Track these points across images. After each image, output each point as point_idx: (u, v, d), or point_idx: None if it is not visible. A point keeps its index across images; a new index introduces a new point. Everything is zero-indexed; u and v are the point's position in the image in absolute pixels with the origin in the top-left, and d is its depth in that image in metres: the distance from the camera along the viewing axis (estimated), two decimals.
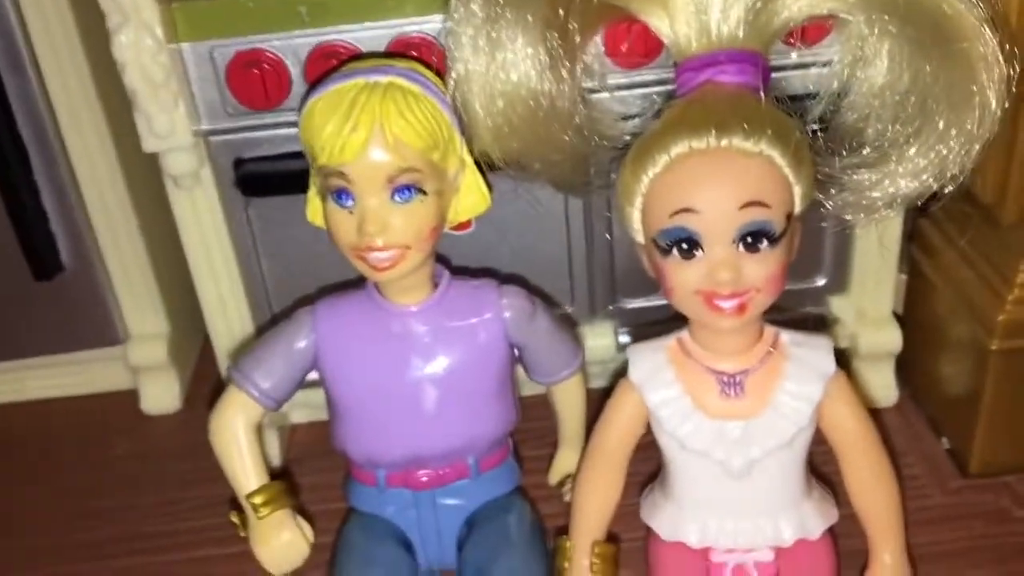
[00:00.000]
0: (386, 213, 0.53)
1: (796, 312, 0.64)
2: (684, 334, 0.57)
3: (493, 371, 0.60)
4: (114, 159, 0.74)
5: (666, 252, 0.51)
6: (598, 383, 0.73)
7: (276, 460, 0.74)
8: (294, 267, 0.68)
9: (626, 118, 0.60)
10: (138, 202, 0.76)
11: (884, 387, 0.75)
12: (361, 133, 0.51)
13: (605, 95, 0.60)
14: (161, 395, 0.81)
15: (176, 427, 0.80)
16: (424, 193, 0.54)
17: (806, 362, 0.55)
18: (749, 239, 0.50)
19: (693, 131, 0.50)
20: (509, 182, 0.59)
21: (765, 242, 0.50)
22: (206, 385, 0.81)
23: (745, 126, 0.49)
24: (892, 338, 0.73)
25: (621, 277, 0.71)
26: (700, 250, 0.50)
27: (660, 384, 0.56)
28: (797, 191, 0.51)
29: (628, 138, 0.57)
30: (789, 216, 0.51)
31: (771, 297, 0.52)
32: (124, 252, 0.77)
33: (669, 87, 0.58)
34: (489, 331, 0.59)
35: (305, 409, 0.76)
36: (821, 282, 0.72)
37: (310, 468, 0.74)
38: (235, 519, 0.60)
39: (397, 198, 0.53)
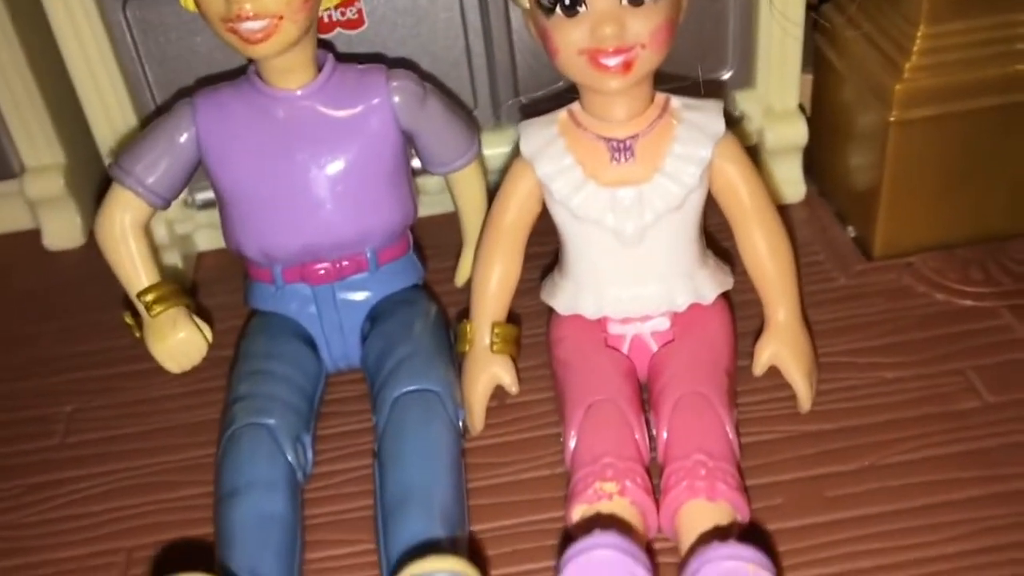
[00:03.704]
0: None
1: (691, 80, 0.63)
2: (575, 106, 0.56)
3: (385, 159, 0.58)
4: None
5: (550, 11, 0.50)
6: None
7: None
8: (182, 72, 0.65)
9: None
10: (18, 20, 0.72)
11: (792, 182, 0.74)
12: None
13: None
14: (62, 229, 0.78)
15: (79, 261, 0.78)
16: None
17: (696, 124, 0.54)
18: None
19: None
20: None
21: None
22: None
23: None
24: (798, 131, 0.72)
25: (524, 76, 0.69)
26: (583, 5, 0.49)
27: (551, 156, 0.55)
28: None
29: None
30: None
31: (658, 54, 0.51)
32: (9, 77, 0.73)
33: None
34: (378, 117, 0.57)
35: (210, 231, 0.74)
36: (726, 76, 0.71)
37: (217, 291, 0.72)
38: (129, 320, 0.59)
39: None
